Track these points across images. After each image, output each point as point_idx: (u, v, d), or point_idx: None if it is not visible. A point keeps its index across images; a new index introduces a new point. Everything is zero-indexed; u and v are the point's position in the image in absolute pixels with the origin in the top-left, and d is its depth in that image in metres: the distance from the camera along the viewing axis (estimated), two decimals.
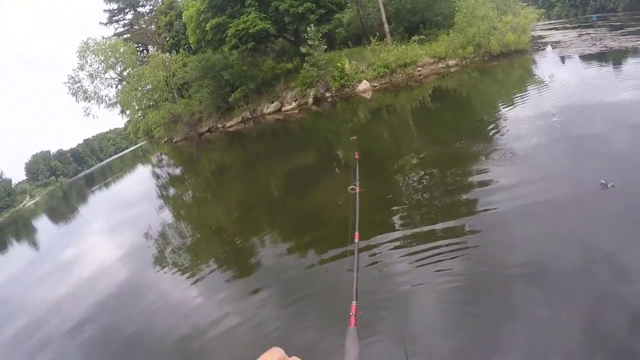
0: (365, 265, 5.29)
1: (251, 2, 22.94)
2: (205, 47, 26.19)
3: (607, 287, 3.70)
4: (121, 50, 35.82)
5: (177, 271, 7.40)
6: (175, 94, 31.84)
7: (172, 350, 4.88)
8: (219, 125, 27.77)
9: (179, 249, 8.79)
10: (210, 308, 5.56)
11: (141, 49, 40.17)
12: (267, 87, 25.48)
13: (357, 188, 4.48)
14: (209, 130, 28.59)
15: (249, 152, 19.40)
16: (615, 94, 9.33)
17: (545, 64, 16.33)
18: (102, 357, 5.65)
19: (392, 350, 3.81)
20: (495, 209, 5.62)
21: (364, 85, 20.75)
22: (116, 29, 44.13)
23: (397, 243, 5.58)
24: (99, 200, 26.18)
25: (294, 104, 23.07)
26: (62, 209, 30.57)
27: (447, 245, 5.06)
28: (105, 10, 44.12)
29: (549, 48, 19.45)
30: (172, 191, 17.44)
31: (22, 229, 28.92)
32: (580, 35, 19.81)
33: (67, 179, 76.30)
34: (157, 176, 23.86)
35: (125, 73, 36.28)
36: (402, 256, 5.21)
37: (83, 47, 34.74)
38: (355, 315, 2.27)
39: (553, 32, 22.08)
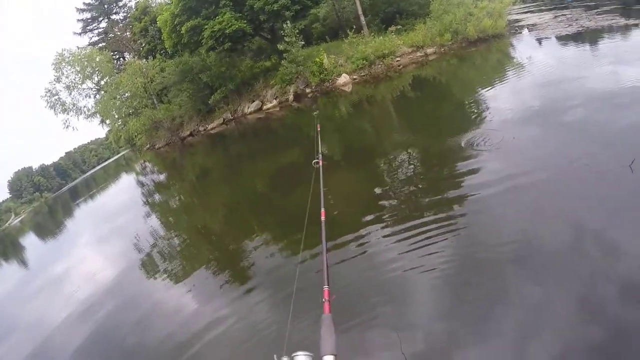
0: (354, 249, 5.31)
1: (226, 2, 22.62)
2: (182, 50, 25.81)
3: (596, 263, 3.69)
4: (97, 59, 35.17)
5: (169, 278, 7.29)
6: (155, 100, 31.34)
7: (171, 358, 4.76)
8: (201, 129, 27.44)
9: (168, 255, 8.67)
10: (205, 312, 5.43)
11: (117, 56, 39.52)
12: (247, 86, 25.20)
13: (320, 161, 4.31)
14: (190, 134, 28.25)
15: (231, 154, 19.27)
16: (593, 72, 9.33)
17: (523, 47, 16.33)
18: None
19: (385, 336, 3.71)
20: (480, 192, 5.58)
21: (343, 78, 20.59)
22: (91, 38, 43.56)
23: (386, 228, 5.55)
24: (85, 213, 25.90)
25: (274, 102, 22.84)
26: (49, 225, 30.10)
27: (434, 228, 5.03)
28: (78, 20, 43.52)
29: (525, 31, 19.44)
30: (157, 198, 17.27)
31: (10, 248, 28.27)
32: (556, 17, 19.79)
33: (52, 194, 74.97)
34: (142, 184, 23.61)
35: (102, 82, 35.67)
36: (392, 242, 5.18)
37: (58, 58, 34.00)
38: (329, 300, 2.12)
39: (529, 15, 22.05)
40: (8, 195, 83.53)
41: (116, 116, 34.65)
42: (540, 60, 12.48)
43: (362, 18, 22.40)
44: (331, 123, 15.92)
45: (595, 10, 19.33)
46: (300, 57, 21.44)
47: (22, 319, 8.83)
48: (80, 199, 35.23)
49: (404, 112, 13.35)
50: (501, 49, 17.46)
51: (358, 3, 22.43)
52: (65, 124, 35.72)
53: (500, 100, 9.75)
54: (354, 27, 21.82)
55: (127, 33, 38.02)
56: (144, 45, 34.79)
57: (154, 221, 12.50)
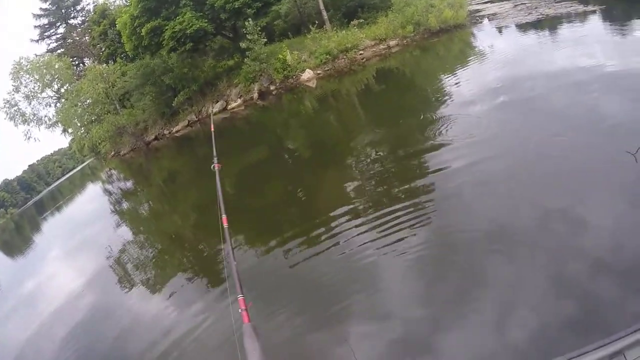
0: (326, 240, 5.37)
1: (186, 2, 22.08)
2: (143, 53, 25.04)
3: (564, 240, 3.80)
4: (56, 66, 33.71)
5: (144, 287, 7.16)
6: (117, 105, 30.36)
7: None
8: (166, 132, 26.78)
9: (142, 264, 8.49)
10: (185, 318, 5.28)
11: (77, 62, 38.10)
12: (210, 87, 24.68)
13: (217, 164, 4.15)
14: (156, 138, 27.56)
15: (198, 156, 18.98)
16: (552, 57, 9.72)
17: (484, 36, 16.78)
18: None
19: (364, 322, 3.79)
20: (447, 176, 5.73)
21: (307, 74, 20.43)
22: (49, 44, 41.86)
23: (360, 218, 5.63)
24: (53, 227, 25.27)
25: (239, 101, 22.46)
26: (16, 242, 29.09)
27: (405, 214, 5.13)
28: (35, 27, 41.85)
29: (485, 21, 19.74)
30: (126, 205, 17.00)
31: None
32: (515, 5, 20.16)
33: (17, 209, 71.98)
34: (109, 192, 23.15)
35: (62, 90, 34.28)
36: (363, 230, 5.24)
37: (16, 67, 32.41)
38: (246, 309, 2.06)
39: (489, 5, 22.41)
40: None
41: (78, 124, 33.26)
42: (500, 48, 12.87)
43: (324, 13, 22.30)
44: (297, 119, 15.92)
45: None
46: (263, 54, 21.14)
47: None
48: (47, 213, 34.41)
49: (369, 104, 13.52)
50: (463, 39, 17.85)
51: None
52: (26, 135, 34.14)
53: (463, 87, 10.08)
54: (316, 22, 21.72)
55: (86, 37, 36.76)
56: (103, 49, 33.68)
57: (124, 230, 12.31)
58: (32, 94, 33.61)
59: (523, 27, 15.31)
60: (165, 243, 9.45)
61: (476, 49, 14.79)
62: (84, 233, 14.54)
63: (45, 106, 34.57)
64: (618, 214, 3.87)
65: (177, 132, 25.90)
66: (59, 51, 39.02)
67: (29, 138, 34.32)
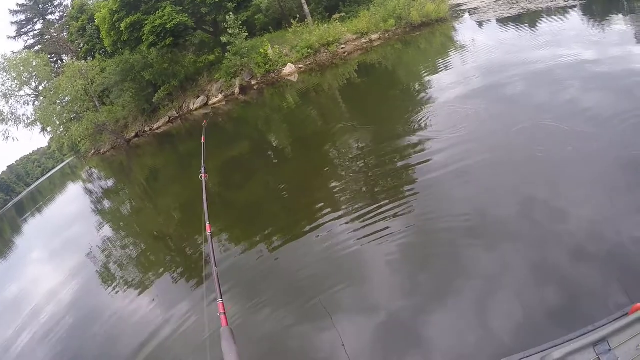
0: (311, 233, 5.36)
1: None
2: (122, 48, 24.55)
3: (544, 229, 3.84)
4: (34, 63, 32.79)
5: (121, 289, 6.98)
6: (97, 103, 29.70)
7: None
8: (147, 129, 26.33)
9: (126, 263, 8.32)
10: (163, 322, 5.15)
11: (55, 59, 37.25)
12: (191, 82, 24.35)
13: (204, 175, 4.15)
14: (136, 135, 27.11)
15: (180, 152, 18.85)
16: (531, 50, 9.81)
17: (465, 30, 16.91)
18: None
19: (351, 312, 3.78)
20: (429, 167, 5.76)
21: (289, 68, 20.25)
22: (26, 41, 40.77)
23: (341, 210, 5.64)
24: (34, 228, 24.68)
25: (220, 96, 22.17)
26: None
27: (387, 206, 5.15)
28: (12, 23, 40.71)
29: (466, 15, 19.84)
30: (107, 205, 16.68)
31: None
32: (497, 0, 20.25)
33: None
34: (90, 192, 22.63)
35: (41, 87, 33.45)
36: (346, 222, 5.25)
37: None
38: (225, 313, 2.11)
39: None
40: None
41: (57, 122, 32.41)
42: (481, 41, 13.00)
43: (306, 7, 22.15)
44: (278, 114, 15.82)
45: None
46: (244, 49, 20.92)
47: None
48: (28, 214, 33.65)
49: (351, 98, 13.53)
50: (444, 33, 17.96)
51: None
52: (4, 135, 33.27)
53: (444, 79, 10.17)
54: (298, 16, 21.63)
55: (64, 33, 35.97)
56: (82, 45, 32.91)
57: (107, 230, 11.99)
58: (10, 92, 32.69)
59: (504, 22, 15.53)
60: (145, 244, 9.29)
61: (457, 43, 14.83)
62: (63, 235, 14.27)
63: (24, 104, 33.66)
64: (599, 203, 3.91)
65: (158, 128, 25.53)
66: (36, 48, 38.04)
67: (7, 138, 33.46)
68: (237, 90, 21.53)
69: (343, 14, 21.55)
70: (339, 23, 20.70)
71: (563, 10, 13.59)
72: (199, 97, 23.25)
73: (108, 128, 27.85)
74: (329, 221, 5.51)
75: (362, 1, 22.21)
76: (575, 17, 12.35)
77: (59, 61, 37.55)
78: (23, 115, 33.39)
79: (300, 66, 20.27)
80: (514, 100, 7.05)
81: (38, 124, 34.01)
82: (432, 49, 16.19)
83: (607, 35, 9.27)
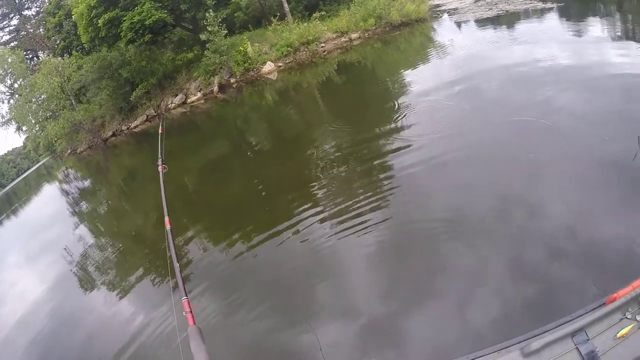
0: (288, 232, 5.33)
1: None
2: (100, 45, 24.03)
3: (521, 225, 3.90)
4: (9, 60, 31.97)
5: (111, 289, 6.82)
6: (73, 101, 29.06)
7: None
8: (124, 127, 25.81)
9: (105, 266, 8.11)
10: (130, 324, 5.11)
11: (31, 56, 36.38)
12: (169, 80, 23.96)
13: (162, 166, 4.09)
14: (113, 135, 26.56)
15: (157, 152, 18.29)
16: (509, 50, 10.15)
17: (444, 30, 17.10)
18: None
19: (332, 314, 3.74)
20: (407, 164, 5.80)
21: (268, 66, 20.12)
22: (1, 37, 39.58)
23: (319, 206, 5.69)
24: (9, 231, 23.27)
25: (199, 94, 21.87)
26: None
27: (366, 203, 5.18)
28: None
29: (445, 16, 20.02)
30: (84, 206, 16.28)
31: None
32: (476, 1, 20.50)
33: None
34: (66, 193, 22.05)
35: (16, 85, 32.64)
36: (326, 221, 5.26)
37: None
38: (191, 312, 2.03)
39: (450, 0, 22.67)
40: None
41: (33, 121, 31.65)
42: (459, 41, 13.25)
43: (286, 5, 22.04)
44: (257, 112, 15.71)
45: None
46: (223, 46, 20.64)
47: None
48: (2, 216, 32.60)
49: (330, 96, 13.66)
50: (424, 33, 18.18)
51: None
52: None
53: (422, 78, 10.39)
54: (278, 14, 21.55)
55: (41, 29, 35.10)
56: (58, 41, 32.14)
57: (81, 230, 11.85)
58: None
59: (482, 23, 15.73)
60: (120, 244, 9.18)
61: (436, 42, 15.03)
62: (39, 237, 13.92)
63: None
64: (576, 199, 3.98)
65: (135, 127, 25.05)
66: (12, 44, 37.05)
67: None
68: (216, 88, 21.31)
69: (323, 13, 21.45)
70: (319, 22, 20.65)
71: (541, 12, 13.92)
72: (177, 95, 22.89)
73: (84, 127, 27.20)
74: (306, 217, 5.55)
75: (342, 0, 22.20)
76: (552, 19, 12.64)
77: (35, 58, 36.68)
78: None
79: (279, 64, 20.16)
80: (490, 98, 7.21)
81: (13, 122, 33.25)
82: (411, 49, 16.33)
83: (583, 36, 9.56)
